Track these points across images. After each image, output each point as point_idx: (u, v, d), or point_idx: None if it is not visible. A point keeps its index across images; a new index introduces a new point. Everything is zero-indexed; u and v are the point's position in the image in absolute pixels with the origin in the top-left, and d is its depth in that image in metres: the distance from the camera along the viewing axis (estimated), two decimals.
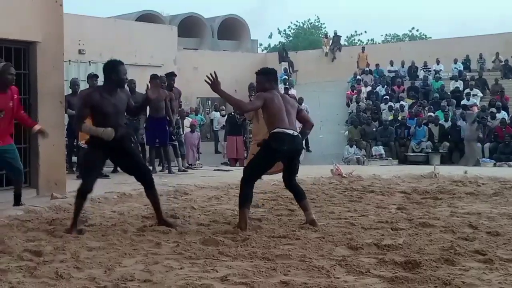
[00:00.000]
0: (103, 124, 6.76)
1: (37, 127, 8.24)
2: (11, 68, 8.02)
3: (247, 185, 6.97)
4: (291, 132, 6.94)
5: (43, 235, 6.50)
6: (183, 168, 13.77)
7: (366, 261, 5.39)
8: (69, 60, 17.79)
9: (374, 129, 21.77)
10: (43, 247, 5.88)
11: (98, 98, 6.77)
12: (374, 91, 26.63)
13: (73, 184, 10.23)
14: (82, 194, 6.79)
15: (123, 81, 6.95)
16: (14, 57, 9.18)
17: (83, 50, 19.72)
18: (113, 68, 6.88)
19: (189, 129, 16.75)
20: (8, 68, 7.98)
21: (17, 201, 8.24)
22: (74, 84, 13.36)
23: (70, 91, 13.16)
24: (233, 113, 17.61)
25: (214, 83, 6.91)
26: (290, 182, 7.28)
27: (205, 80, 6.92)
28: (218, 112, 27.27)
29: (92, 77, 12.79)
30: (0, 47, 9.07)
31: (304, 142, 19.87)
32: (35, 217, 7.51)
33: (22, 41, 9.28)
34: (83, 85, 14.82)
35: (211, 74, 6.90)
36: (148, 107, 13.09)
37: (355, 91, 26.78)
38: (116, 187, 10.11)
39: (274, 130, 6.94)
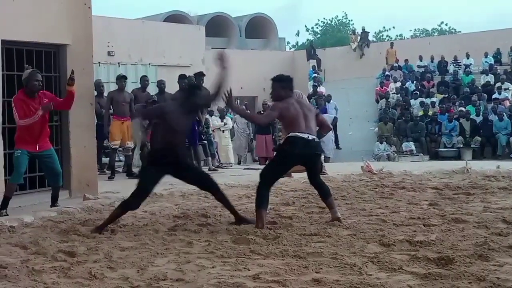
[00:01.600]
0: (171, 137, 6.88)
1: (69, 88, 8.22)
2: (38, 75, 8.06)
3: (264, 188, 7.03)
4: (305, 136, 6.94)
5: (76, 236, 6.56)
6: (214, 167, 13.81)
7: (398, 258, 5.35)
8: (99, 62, 17.94)
9: (405, 126, 21.61)
10: (76, 248, 5.95)
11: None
12: (404, 86, 26.42)
13: (104, 185, 10.37)
14: (125, 208, 6.90)
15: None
16: (44, 60, 9.29)
17: (112, 52, 19.85)
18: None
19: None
20: (34, 74, 8.02)
21: (54, 202, 8.35)
22: (98, 85, 13.50)
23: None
24: (261, 112, 17.61)
25: (229, 100, 7.08)
26: (314, 180, 7.31)
27: (222, 97, 7.15)
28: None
29: (120, 78, 12.88)
30: (31, 50, 9.18)
31: (334, 139, 19.76)
32: (68, 218, 7.59)
33: (52, 44, 9.39)
34: (113, 86, 14.92)
35: (227, 91, 7.07)
36: None
37: (384, 87, 26.61)
38: None
39: (289, 135, 7.01)
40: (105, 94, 13.57)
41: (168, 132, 6.86)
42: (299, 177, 11.16)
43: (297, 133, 6.92)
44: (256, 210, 6.95)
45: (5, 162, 8.70)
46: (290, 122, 7.02)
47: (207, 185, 7.28)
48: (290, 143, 6.96)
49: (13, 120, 8.25)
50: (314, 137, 7.02)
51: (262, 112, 17.43)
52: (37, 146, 8.05)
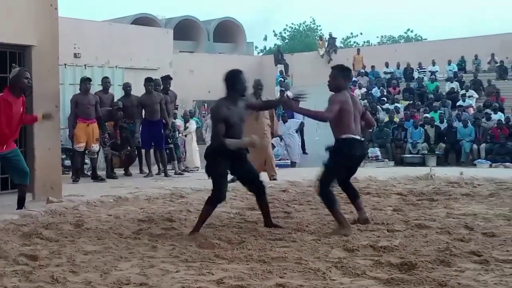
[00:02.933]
0: (229, 135, 6.77)
1: (40, 115, 8.26)
2: (26, 73, 8.01)
3: (327, 191, 6.96)
4: (358, 137, 6.99)
5: (39, 239, 6.48)
6: (179, 171, 13.77)
7: (362, 263, 5.39)
8: (65, 64, 17.70)
9: (370, 131, 21.77)
10: (38, 251, 5.88)
11: (227, 111, 6.81)
12: (370, 92, 26.65)
13: (68, 188, 10.26)
14: (216, 202, 6.91)
15: (246, 89, 7.09)
16: (9, 61, 9.17)
17: (78, 53, 19.62)
18: (238, 77, 6.96)
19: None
20: (24, 72, 7.96)
21: (21, 205, 8.18)
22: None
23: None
24: None
25: (291, 105, 7.21)
26: (346, 183, 7.38)
27: (285, 105, 7.44)
28: None
29: (85, 81, 12.79)
30: None
31: (301, 144, 19.81)
32: (31, 221, 7.50)
33: (17, 45, 9.28)
34: (78, 89, 14.80)
35: (289, 100, 7.32)
36: (143, 111, 13.15)
37: (353, 92, 26.80)
38: (112, 190, 10.10)
39: (344, 136, 6.92)
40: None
41: (230, 128, 6.82)
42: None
43: (351, 135, 6.91)
44: (332, 213, 6.94)
45: None
46: (342, 120, 6.90)
47: (255, 186, 7.22)
48: (349, 145, 6.92)
49: None
50: (363, 138, 7.15)
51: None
52: (5, 146, 7.91)
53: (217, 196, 6.87)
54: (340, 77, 7.10)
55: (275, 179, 11.46)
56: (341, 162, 7.03)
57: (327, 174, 7.04)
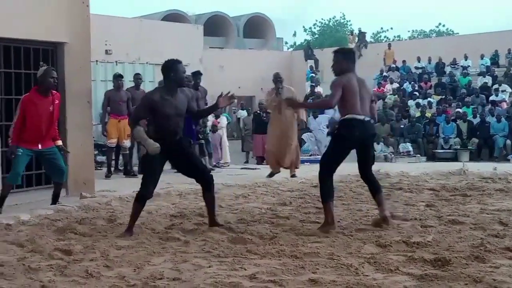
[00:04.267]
0: (162, 126, 6.64)
1: (58, 143, 8.28)
2: (53, 72, 8.05)
3: (326, 178, 6.81)
4: (361, 117, 6.72)
5: (73, 234, 6.55)
6: (210, 166, 13.80)
7: (395, 259, 5.35)
8: (96, 60, 17.88)
9: (402, 126, 21.62)
10: (73, 246, 5.94)
11: (159, 99, 6.60)
12: (401, 87, 26.45)
13: (101, 183, 10.36)
14: (141, 199, 6.71)
15: (183, 79, 6.82)
16: (42, 58, 9.27)
17: (109, 50, 19.80)
18: (171, 67, 6.70)
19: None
20: (50, 71, 8.01)
21: (55, 200, 8.30)
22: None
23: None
24: (258, 111, 17.62)
25: (292, 102, 7.08)
26: (366, 173, 7.08)
27: (286, 104, 7.15)
28: (245, 111, 27.32)
29: (117, 77, 12.87)
30: (28, 48, 9.18)
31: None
32: (65, 216, 7.58)
33: (50, 42, 9.37)
34: (110, 85, 14.92)
35: (291, 98, 7.01)
36: None
37: (381, 88, 26.63)
38: None
39: (344, 117, 6.75)
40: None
41: (161, 119, 6.65)
42: (296, 177, 11.19)
43: (353, 115, 6.70)
44: (323, 204, 6.80)
45: (2, 161, 8.69)
46: (346, 101, 6.70)
47: (201, 179, 7.00)
48: (347, 126, 6.73)
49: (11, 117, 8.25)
50: (369, 118, 6.84)
51: (259, 112, 17.45)
52: (40, 145, 8.00)
53: (141, 192, 6.71)
54: (341, 61, 6.93)
55: (294, 176, 11.39)
56: (339, 144, 6.85)
57: (326, 157, 6.97)
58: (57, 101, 8.13)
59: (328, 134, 7.05)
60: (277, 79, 11.42)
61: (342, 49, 7.22)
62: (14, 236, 6.51)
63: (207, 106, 7.33)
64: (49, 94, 8.01)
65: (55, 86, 8.15)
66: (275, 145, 11.55)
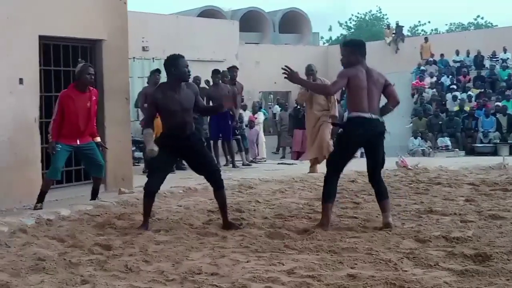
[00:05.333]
0: (169, 122, 6.67)
1: (97, 139, 8.40)
2: (90, 68, 8.12)
3: (330, 179, 6.62)
4: (367, 115, 6.44)
5: (112, 230, 6.62)
6: (247, 162, 13.83)
7: (434, 254, 5.30)
8: (133, 57, 18.06)
9: (440, 121, 21.39)
10: (112, 241, 6.00)
11: (161, 96, 6.60)
12: (439, 81, 26.16)
13: (139, 179, 10.44)
14: (146, 193, 6.73)
15: (185, 74, 6.68)
16: (80, 55, 9.39)
17: (146, 47, 19.98)
18: (172, 63, 6.64)
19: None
20: (87, 68, 8.07)
21: (94, 196, 8.42)
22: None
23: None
24: (298, 106, 17.59)
25: (291, 74, 6.52)
26: (374, 175, 6.74)
27: (283, 73, 6.56)
28: (280, 106, 27.28)
29: (154, 73, 12.94)
30: (67, 45, 9.29)
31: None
32: (104, 211, 7.66)
33: (88, 39, 9.47)
34: (145, 82, 15.08)
35: (286, 66, 6.52)
36: (211, 103, 13.27)
37: (422, 81, 26.36)
38: (181, 181, 10.22)
39: (350, 115, 6.55)
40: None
41: (167, 115, 6.70)
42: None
43: (359, 113, 6.45)
44: (322, 204, 6.65)
45: (42, 156, 8.81)
46: (353, 97, 6.49)
47: (210, 178, 6.84)
48: (351, 123, 6.51)
49: (50, 114, 8.36)
50: (377, 116, 6.52)
51: (296, 106, 17.41)
52: (78, 140, 8.11)
53: (145, 187, 6.77)
54: (348, 54, 6.66)
55: (313, 172, 11.32)
56: (344, 143, 6.64)
57: (332, 156, 6.82)
58: (94, 97, 8.21)
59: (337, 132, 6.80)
60: (309, 71, 11.28)
61: (350, 40, 7.01)
62: (55, 231, 6.60)
63: (212, 105, 7.20)
64: (86, 90, 8.10)
65: (92, 83, 8.23)
66: (308, 140, 11.53)
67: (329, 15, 79.30)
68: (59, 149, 7.98)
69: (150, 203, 6.74)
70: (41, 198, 8.05)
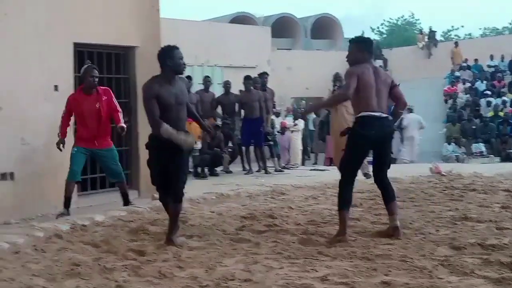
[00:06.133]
0: (163, 118, 6.11)
1: (120, 124, 8.24)
2: (94, 71, 8.05)
3: (345, 185, 6.35)
4: (377, 114, 6.22)
5: (146, 235, 6.66)
6: (279, 168, 13.81)
7: (470, 262, 5.23)
8: None
9: (474, 127, 21.16)
10: (146, 247, 6.04)
11: (159, 88, 6.16)
12: (473, 87, 25.88)
13: None
14: (164, 202, 6.50)
15: (180, 66, 6.29)
16: (114, 62, 9.47)
17: None
18: (167, 54, 6.25)
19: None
20: (90, 70, 8.03)
21: (126, 201, 8.45)
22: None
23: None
24: (329, 113, 17.56)
25: (305, 111, 6.60)
26: (381, 177, 6.55)
27: (301, 113, 6.64)
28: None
29: (185, 79, 13.01)
30: (101, 52, 9.38)
31: (400, 139, 19.06)
32: (138, 217, 7.71)
33: (122, 46, 9.56)
34: None
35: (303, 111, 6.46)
36: (242, 108, 13.29)
37: (454, 87, 26.11)
38: (214, 188, 10.25)
39: (360, 115, 6.26)
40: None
41: (161, 110, 6.15)
42: (365, 178, 11.07)
43: (369, 113, 6.20)
44: (338, 212, 6.39)
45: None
46: (360, 95, 6.20)
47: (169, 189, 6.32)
48: (363, 123, 6.22)
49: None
50: (387, 115, 6.35)
51: (328, 112, 17.35)
52: (96, 143, 8.12)
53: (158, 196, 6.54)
54: (356, 51, 6.44)
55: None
56: (355, 145, 6.30)
57: (344, 162, 6.45)
58: (105, 97, 8.12)
59: (341, 134, 6.47)
60: (336, 78, 11.35)
61: (357, 38, 6.75)
62: (89, 237, 6.66)
63: (197, 116, 6.94)
64: (92, 92, 8.05)
65: (95, 85, 8.06)
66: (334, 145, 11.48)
67: (363, 20, 78.85)
68: (74, 152, 8.01)
69: (177, 211, 6.31)
70: (66, 204, 7.99)
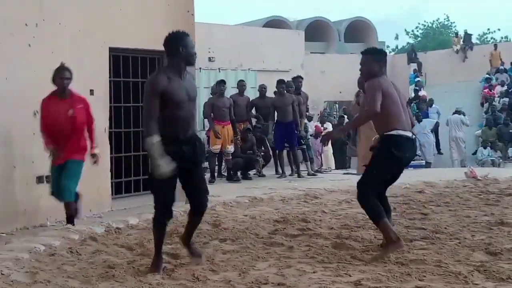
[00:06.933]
0: (173, 118, 5.21)
1: (95, 150, 7.39)
2: (64, 72, 7.20)
3: (370, 200, 5.77)
4: (410, 134, 5.85)
5: (179, 238, 6.68)
6: (312, 172, 13.78)
7: (506, 267, 5.16)
8: (200, 68, 18.28)
9: (511, 130, 20.85)
10: (179, 250, 6.07)
11: (167, 82, 5.20)
12: (510, 90, 25.52)
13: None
14: (157, 225, 5.47)
15: (194, 56, 5.45)
16: (149, 66, 9.55)
17: (212, 57, 20.17)
18: (180, 41, 5.34)
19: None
20: (60, 71, 7.20)
21: (69, 221, 7.36)
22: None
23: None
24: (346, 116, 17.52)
25: (328, 139, 6.23)
26: (384, 192, 6.11)
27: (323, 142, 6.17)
28: (345, 116, 27.14)
29: (219, 83, 13.10)
30: (136, 57, 9.47)
31: (435, 144, 19.00)
32: (171, 220, 7.72)
33: (157, 50, 9.61)
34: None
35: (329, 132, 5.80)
36: (276, 112, 13.30)
37: (492, 90, 25.79)
38: (247, 191, 10.27)
39: (393, 133, 5.74)
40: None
41: (172, 108, 5.21)
42: (400, 183, 10.99)
43: (400, 131, 5.74)
44: (376, 225, 5.83)
45: (111, 166, 9.00)
46: (390, 112, 5.74)
47: (198, 203, 5.63)
48: (397, 143, 5.73)
49: (119, 125, 8.53)
50: (414, 135, 5.99)
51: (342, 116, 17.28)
52: (63, 157, 7.18)
53: (155, 217, 5.44)
54: (371, 62, 5.98)
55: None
56: (387, 164, 5.81)
57: (370, 179, 5.83)
58: (80, 105, 7.27)
59: (370, 149, 6.07)
60: (358, 83, 11.28)
61: (373, 49, 6.36)
62: (123, 240, 6.72)
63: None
64: (66, 96, 7.22)
65: (65, 87, 7.20)
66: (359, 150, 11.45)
67: (401, 24, 78.35)
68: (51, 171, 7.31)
69: (161, 233, 5.47)
70: (70, 221, 7.35)
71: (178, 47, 5.28)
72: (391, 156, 5.75)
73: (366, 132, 11.06)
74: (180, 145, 5.23)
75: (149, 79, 5.41)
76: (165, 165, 5.05)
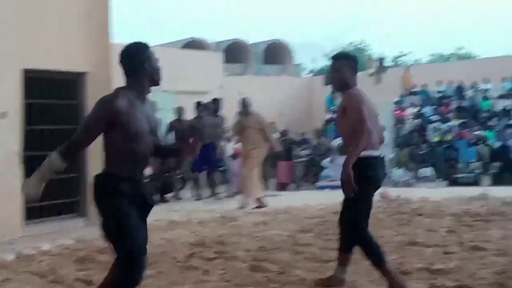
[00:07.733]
0: (129, 153, 4.03)
1: None
2: None
3: (366, 237, 5.22)
4: (380, 153, 5.27)
5: (94, 264, 6.57)
6: (230, 194, 13.81)
7: (416, 286, 5.30)
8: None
9: (422, 152, 21.51)
10: (93, 276, 5.94)
11: (127, 107, 3.97)
12: (421, 112, 26.35)
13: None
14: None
15: (159, 73, 4.32)
16: (65, 87, 9.39)
17: None
18: (143, 54, 4.18)
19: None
20: None
21: None
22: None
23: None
24: (284, 138, 17.71)
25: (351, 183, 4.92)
26: None
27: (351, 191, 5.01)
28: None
29: None
30: (51, 78, 9.29)
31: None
32: (85, 246, 7.60)
33: (72, 72, 9.49)
34: None
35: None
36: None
37: (403, 112, 26.55)
38: (164, 214, 10.18)
39: (365, 155, 5.04)
40: None
41: (129, 140, 4.01)
42: (316, 203, 11.14)
43: (372, 152, 5.12)
44: (380, 270, 5.14)
45: None
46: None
47: None
48: (372, 166, 5.13)
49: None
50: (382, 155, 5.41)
51: (284, 138, 17.48)
52: None
53: (121, 272, 4.13)
54: (346, 69, 5.27)
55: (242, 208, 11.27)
56: (367, 190, 5.15)
57: (356, 210, 5.20)
58: None
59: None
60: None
61: (343, 53, 5.71)
62: (35, 266, 6.52)
63: (171, 146, 5.25)
64: None
65: None
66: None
67: (320, 47, 79.82)
68: None
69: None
70: None
71: (144, 61, 4.14)
72: (366, 180, 5.06)
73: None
74: (136, 188, 4.10)
75: (102, 97, 4.05)
76: (36, 187, 4.03)
